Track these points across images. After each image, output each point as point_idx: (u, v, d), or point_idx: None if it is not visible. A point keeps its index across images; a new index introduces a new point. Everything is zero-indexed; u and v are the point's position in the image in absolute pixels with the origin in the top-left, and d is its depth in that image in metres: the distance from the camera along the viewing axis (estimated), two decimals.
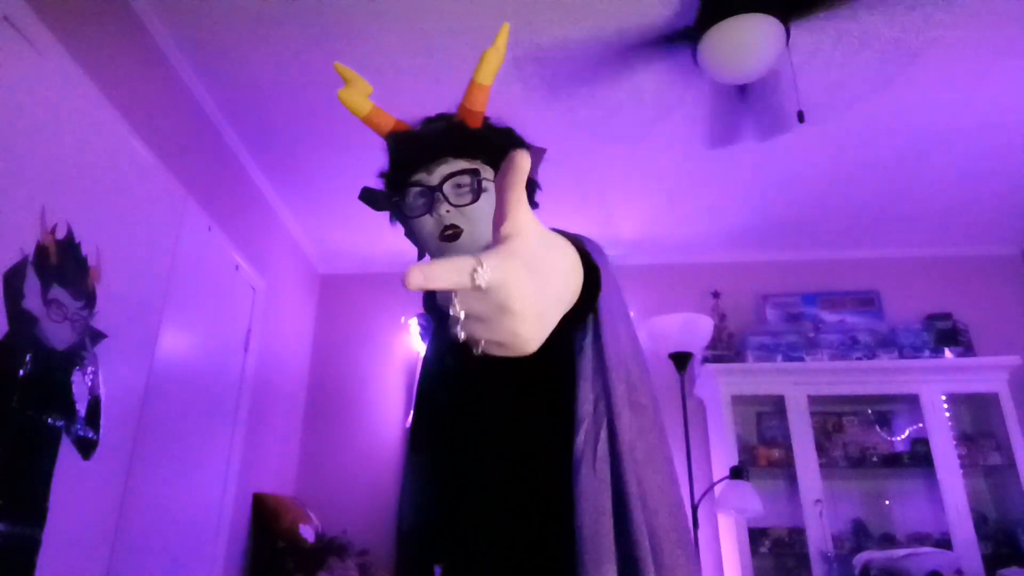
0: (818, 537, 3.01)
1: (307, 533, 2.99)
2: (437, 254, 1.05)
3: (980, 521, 3.11)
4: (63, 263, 1.76)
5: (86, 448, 1.83)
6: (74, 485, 1.77)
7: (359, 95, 1.13)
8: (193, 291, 2.50)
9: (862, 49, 2.34)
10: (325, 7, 2.17)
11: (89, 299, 1.87)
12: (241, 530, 2.88)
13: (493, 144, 1.07)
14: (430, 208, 1.04)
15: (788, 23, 2.07)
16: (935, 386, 3.26)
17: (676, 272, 3.87)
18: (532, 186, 1.14)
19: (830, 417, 3.42)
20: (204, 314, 2.62)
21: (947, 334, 3.46)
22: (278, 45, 2.33)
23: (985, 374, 3.27)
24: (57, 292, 1.73)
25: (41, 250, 1.68)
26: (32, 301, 1.64)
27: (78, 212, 1.83)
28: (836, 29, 2.23)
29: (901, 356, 3.38)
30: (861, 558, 2.87)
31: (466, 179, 1.03)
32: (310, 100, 2.61)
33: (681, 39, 2.23)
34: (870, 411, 3.44)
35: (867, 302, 3.71)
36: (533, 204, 1.14)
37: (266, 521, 2.96)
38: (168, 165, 2.30)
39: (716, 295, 3.68)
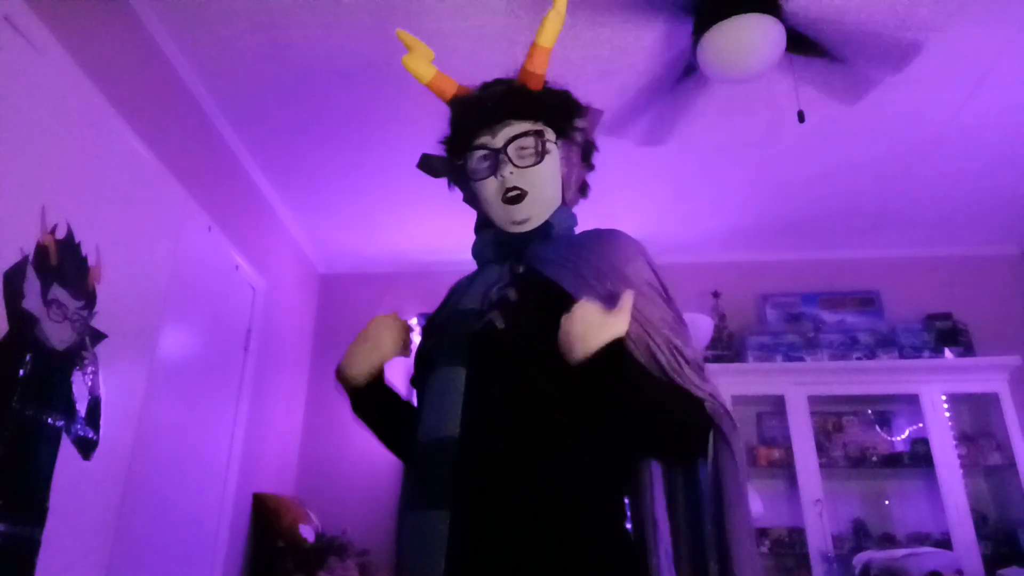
0: (818, 537, 3.01)
1: (307, 533, 2.99)
2: (501, 215, 1.08)
3: (980, 521, 3.11)
4: (63, 263, 1.76)
5: (86, 448, 1.83)
6: (74, 485, 1.77)
7: (423, 61, 1.13)
8: (193, 291, 2.50)
9: (862, 49, 2.34)
10: (327, 9, 2.17)
11: (89, 299, 1.87)
12: (241, 530, 2.88)
13: (554, 106, 1.08)
14: (494, 170, 1.05)
15: (784, 18, 2.07)
16: (935, 386, 3.26)
17: (676, 272, 3.83)
18: (590, 148, 1.16)
19: (830, 417, 3.42)
20: (204, 314, 2.62)
21: (947, 334, 3.46)
22: (278, 45, 2.33)
23: (985, 374, 3.27)
24: (57, 292, 1.73)
25: (41, 250, 1.68)
26: (32, 301, 1.64)
27: (78, 212, 1.83)
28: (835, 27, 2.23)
29: (901, 356, 3.38)
30: (861, 558, 2.87)
31: (529, 141, 1.05)
32: (311, 100, 2.60)
33: (686, 70, 2.23)
34: (870, 411, 3.44)
35: (867, 302, 3.71)
36: (591, 166, 1.17)
37: (266, 521, 2.96)
38: (168, 165, 2.30)
39: (716, 295, 3.67)
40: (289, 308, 3.56)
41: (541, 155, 1.05)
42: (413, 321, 3.76)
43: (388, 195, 3.27)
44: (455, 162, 1.10)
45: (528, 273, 1.02)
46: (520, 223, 1.07)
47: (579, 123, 1.10)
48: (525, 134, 1.04)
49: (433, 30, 2.23)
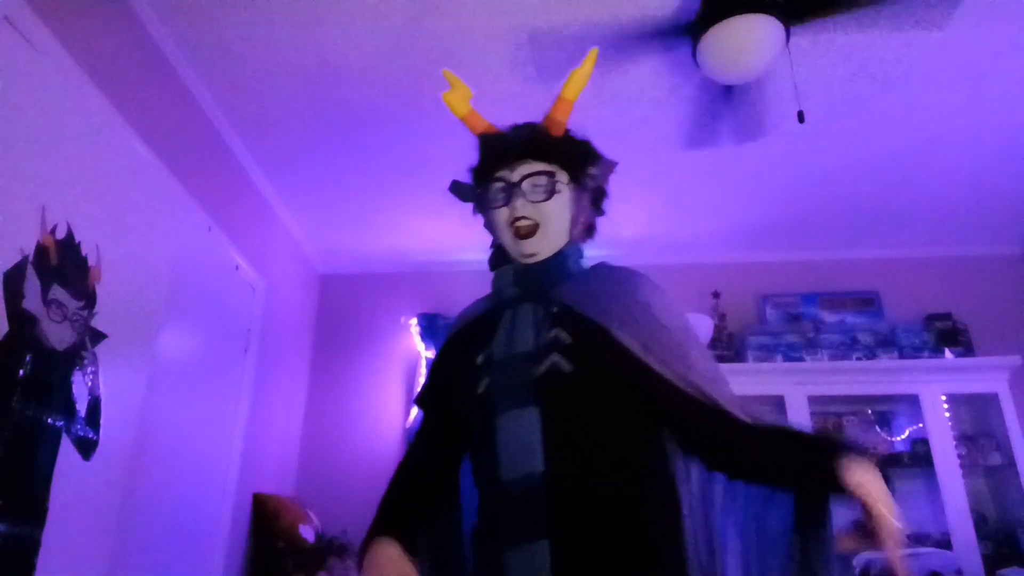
0: None
1: (307, 533, 2.99)
2: (511, 246, 1.19)
3: (980, 521, 3.11)
4: (63, 263, 1.76)
5: (86, 448, 1.83)
6: (74, 485, 1.77)
7: (461, 98, 1.27)
8: (193, 291, 2.50)
9: (862, 48, 2.34)
10: (327, 7, 2.17)
11: (89, 299, 1.87)
12: (241, 530, 2.88)
13: (570, 152, 1.21)
14: (508, 201, 1.17)
15: (788, 26, 2.07)
16: (935, 386, 3.25)
17: (676, 272, 3.86)
18: (601, 194, 1.28)
19: (830, 417, 3.41)
20: (204, 314, 2.62)
21: (947, 334, 3.46)
22: (279, 45, 2.33)
23: (985, 374, 3.27)
24: (57, 292, 1.73)
25: (41, 250, 1.68)
26: (32, 301, 1.64)
27: (78, 212, 1.83)
28: (836, 29, 2.23)
29: (901, 356, 3.37)
30: (861, 558, 2.87)
31: (543, 180, 1.17)
32: (311, 100, 2.60)
33: (680, 34, 2.22)
34: (870, 411, 3.44)
35: (867, 302, 3.71)
36: (600, 211, 1.29)
37: (266, 521, 2.96)
38: (168, 165, 2.30)
39: (716, 295, 3.67)
40: (289, 308, 3.56)
41: (550, 193, 1.16)
42: (413, 321, 3.76)
43: (388, 195, 3.27)
44: (477, 190, 1.23)
45: (562, 312, 1.12)
46: (528, 256, 1.18)
47: (592, 170, 1.22)
48: (539, 173, 1.16)
49: (433, 28, 2.23)
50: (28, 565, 1.61)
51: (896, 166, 3.08)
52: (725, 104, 2.51)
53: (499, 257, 1.25)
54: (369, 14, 2.19)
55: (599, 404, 1.06)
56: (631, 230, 3.61)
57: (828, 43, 2.30)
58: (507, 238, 1.19)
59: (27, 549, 1.61)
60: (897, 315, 3.65)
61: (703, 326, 3.01)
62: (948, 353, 3.36)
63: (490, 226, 1.25)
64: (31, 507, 1.63)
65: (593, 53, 1.26)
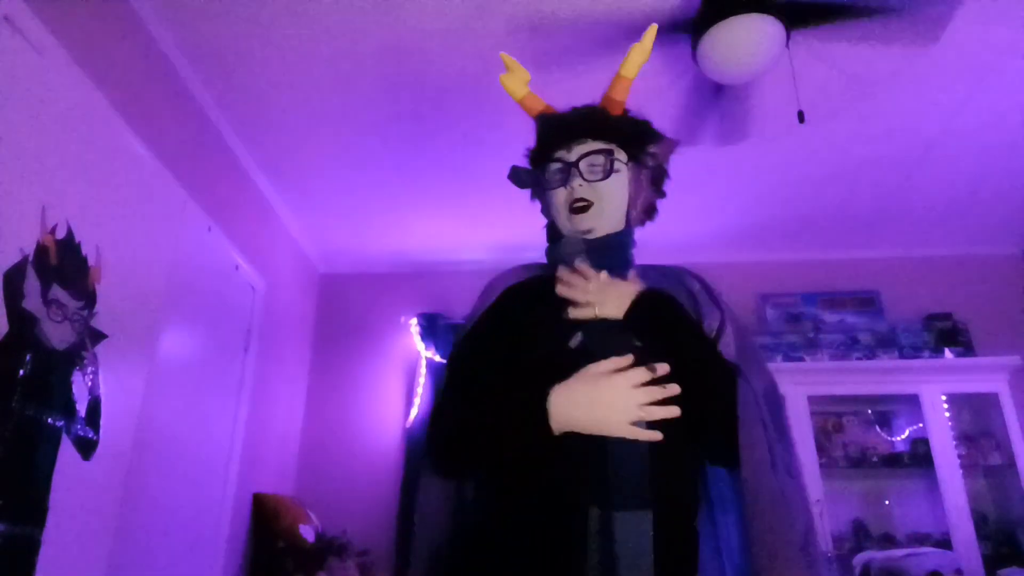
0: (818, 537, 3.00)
1: (307, 533, 2.99)
2: (567, 225, 1.17)
3: (980, 521, 3.11)
4: (63, 263, 1.76)
5: (86, 448, 1.83)
6: (74, 485, 1.77)
7: (518, 81, 1.26)
8: (193, 291, 2.50)
9: (862, 49, 2.34)
10: (327, 7, 2.17)
11: (89, 299, 1.87)
12: (241, 530, 2.88)
13: (628, 130, 1.19)
14: (565, 181, 1.15)
15: (788, 30, 2.07)
16: (935, 386, 3.26)
17: None
18: (662, 174, 1.25)
19: (830, 417, 3.42)
20: (204, 314, 2.62)
21: (947, 334, 3.46)
22: (279, 45, 2.33)
23: (985, 374, 3.27)
24: (57, 292, 1.73)
25: (41, 250, 1.68)
26: (32, 301, 1.64)
27: (78, 212, 1.83)
28: (836, 29, 2.23)
29: (901, 356, 3.38)
30: (861, 558, 2.87)
31: (600, 159, 1.14)
32: (311, 100, 2.61)
33: (680, 30, 2.21)
34: (870, 411, 3.44)
35: (867, 302, 3.71)
36: (661, 193, 1.27)
37: (266, 521, 2.96)
38: (168, 165, 2.30)
39: None
40: (289, 308, 3.56)
41: (608, 172, 1.14)
42: (413, 321, 3.76)
43: (388, 195, 3.27)
44: (535, 173, 1.21)
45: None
46: (584, 232, 1.16)
47: (652, 149, 1.21)
48: (597, 152, 1.14)
49: (434, 27, 2.23)
50: (28, 565, 1.61)
51: (896, 166, 3.08)
52: (715, 104, 2.50)
53: (554, 237, 1.22)
54: (369, 13, 2.19)
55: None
56: None
57: (828, 43, 2.30)
58: (563, 218, 1.16)
59: (27, 549, 1.61)
60: (897, 315, 3.65)
61: None
62: (948, 353, 3.36)
63: (546, 210, 1.22)
64: (31, 507, 1.63)
65: (652, 29, 1.23)
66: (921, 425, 3.28)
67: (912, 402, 3.31)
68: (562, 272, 1.11)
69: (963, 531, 2.99)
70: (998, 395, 3.22)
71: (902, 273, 3.80)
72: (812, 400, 3.28)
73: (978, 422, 3.42)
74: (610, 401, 0.98)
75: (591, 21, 2.21)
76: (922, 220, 3.56)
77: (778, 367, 3.36)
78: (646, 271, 1.24)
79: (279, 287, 3.40)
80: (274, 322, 3.30)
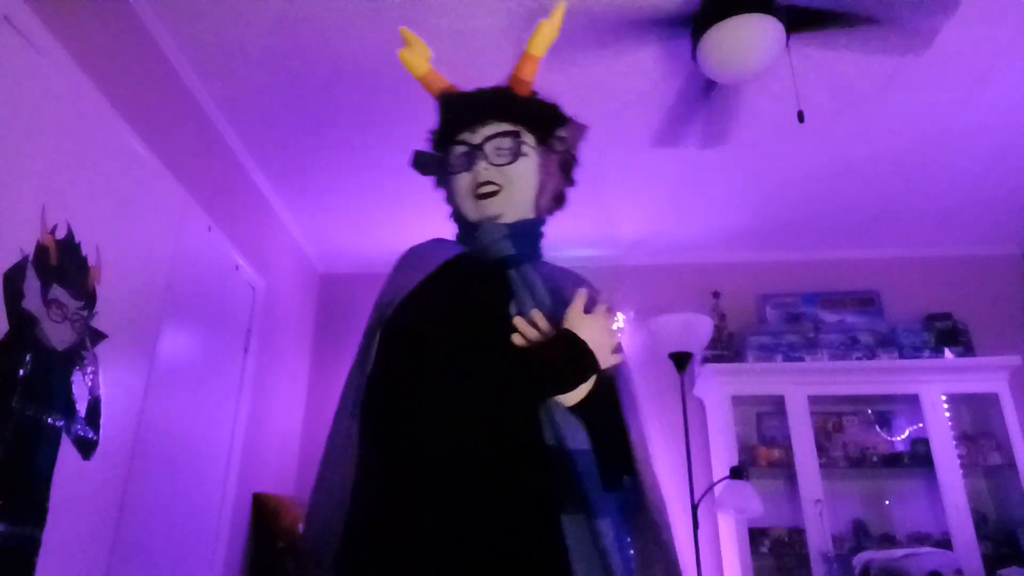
0: (818, 537, 3.01)
1: None
2: (471, 211, 1.10)
3: (980, 521, 3.11)
4: (63, 263, 1.76)
5: (86, 448, 1.83)
6: (74, 485, 1.77)
7: (419, 57, 1.18)
8: (193, 291, 2.50)
9: (862, 49, 2.34)
10: (327, 7, 2.17)
11: (89, 299, 1.87)
12: (241, 530, 2.88)
13: (537, 112, 1.12)
14: (469, 166, 1.09)
15: (788, 32, 2.07)
16: (935, 386, 3.26)
17: (676, 272, 3.87)
18: (571, 160, 1.19)
19: (830, 417, 3.42)
20: (204, 314, 2.62)
21: (947, 334, 3.46)
22: (279, 45, 2.33)
23: (985, 374, 3.27)
24: (57, 292, 1.73)
25: (41, 250, 1.68)
26: (32, 301, 1.64)
27: (78, 212, 1.83)
28: (834, 33, 2.23)
29: (901, 356, 3.38)
30: (861, 558, 2.87)
31: (507, 141, 1.08)
32: (311, 100, 2.60)
33: (681, 25, 2.21)
34: (870, 411, 3.44)
35: (867, 302, 3.71)
36: (570, 180, 1.20)
37: (266, 521, 2.96)
38: (168, 165, 2.30)
39: (716, 295, 3.67)
40: (289, 308, 3.56)
41: (516, 155, 1.08)
42: None
43: (388, 195, 3.27)
44: (438, 156, 1.14)
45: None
46: (492, 218, 1.09)
47: (561, 132, 1.13)
48: (503, 134, 1.08)
49: (434, 29, 2.23)
50: (28, 565, 1.61)
51: (896, 166, 3.08)
52: (704, 104, 2.49)
53: (462, 229, 1.14)
54: (369, 15, 2.19)
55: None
56: (631, 230, 3.61)
57: (829, 43, 2.30)
58: (468, 205, 1.09)
59: (27, 549, 1.61)
60: (897, 315, 3.65)
61: (703, 326, 3.01)
62: (948, 353, 3.36)
63: (450, 196, 1.14)
64: (31, 507, 1.63)
65: (560, 8, 1.17)
66: (921, 425, 3.28)
67: (912, 402, 3.31)
68: (519, 323, 0.99)
69: (963, 531, 2.99)
70: (998, 395, 3.22)
71: (902, 273, 3.80)
72: (812, 400, 3.28)
73: (978, 422, 3.42)
74: (609, 333, 0.99)
75: (590, 15, 2.21)
76: (922, 220, 3.56)
77: (778, 367, 3.37)
78: (553, 271, 1.15)
79: (279, 287, 3.40)
80: (274, 322, 3.30)
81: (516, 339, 0.98)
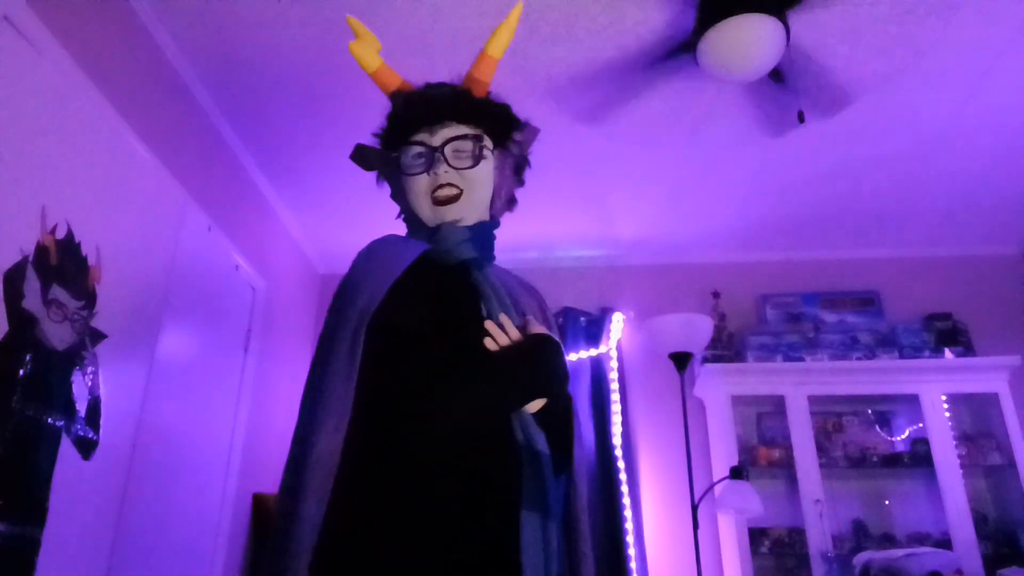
0: (818, 537, 3.01)
1: None
2: (428, 214, 1.08)
3: (980, 521, 3.11)
4: (63, 263, 1.76)
5: (86, 448, 1.83)
6: (74, 485, 1.77)
7: (370, 50, 1.16)
8: (193, 291, 2.50)
9: (862, 49, 2.34)
10: (327, 8, 2.17)
11: (89, 299, 1.87)
12: (241, 530, 2.88)
13: (494, 115, 1.11)
14: (428, 168, 1.07)
15: (786, 19, 2.06)
16: (935, 386, 3.26)
17: (676, 272, 3.87)
18: (523, 162, 1.17)
19: (830, 417, 3.42)
20: (204, 314, 2.62)
21: (947, 334, 3.46)
22: (279, 45, 2.33)
23: (985, 374, 3.27)
24: (57, 292, 1.73)
25: (41, 250, 1.68)
26: (32, 301, 1.64)
27: (78, 212, 1.83)
28: (836, 29, 2.23)
29: (901, 356, 3.38)
30: (861, 558, 2.87)
31: (467, 144, 1.07)
32: (311, 100, 2.60)
33: (680, 50, 2.23)
34: (870, 411, 3.44)
35: (867, 302, 3.71)
36: (521, 181, 1.19)
37: (266, 521, 2.96)
38: (168, 165, 2.30)
39: (716, 295, 3.67)
40: (289, 308, 3.56)
41: (477, 159, 1.07)
42: None
43: (388, 195, 3.26)
44: (389, 155, 1.12)
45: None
46: (453, 223, 1.09)
47: (516, 136, 1.13)
48: (464, 137, 1.07)
49: (432, 35, 2.23)
50: (28, 565, 1.61)
51: (896, 166, 3.08)
52: (718, 104, 2.50)
53: (415, 230, 1.13)
54: (369, 15, 2.19)
55: None
56: (631, 230, 3.61)
57: (829, 43, 2.30)
58: (424, 207, 1.08)
59: (27, 549, 1.61)
60: (897, 315, 3.65)
61: (703, 326, 3.01)
62: (948, 353, 3.36)
63: (401, 195, 1.13)
64: (31, 507, 1.63)
65: (517, 10, 1.16)
66: (921, 425, 3.28)
67: (912, 402, 3.31)
68: (492, 328, 1.00)
69: (963, 531, 2.99)
70: (998, 395, 3.22)
71: (902, 273, 3.80)
72: (812, 400, 3.28)
73: (978, 422, 3.42)
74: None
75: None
76: (922, 220, 3.56)
77: (778, 367, 3.36)
78: (508, 277, 1.16)
79: (279, 287, 3.39)
80: (274, 322, 3.30)
81: (489, 343, 0.98)
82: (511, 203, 1.20)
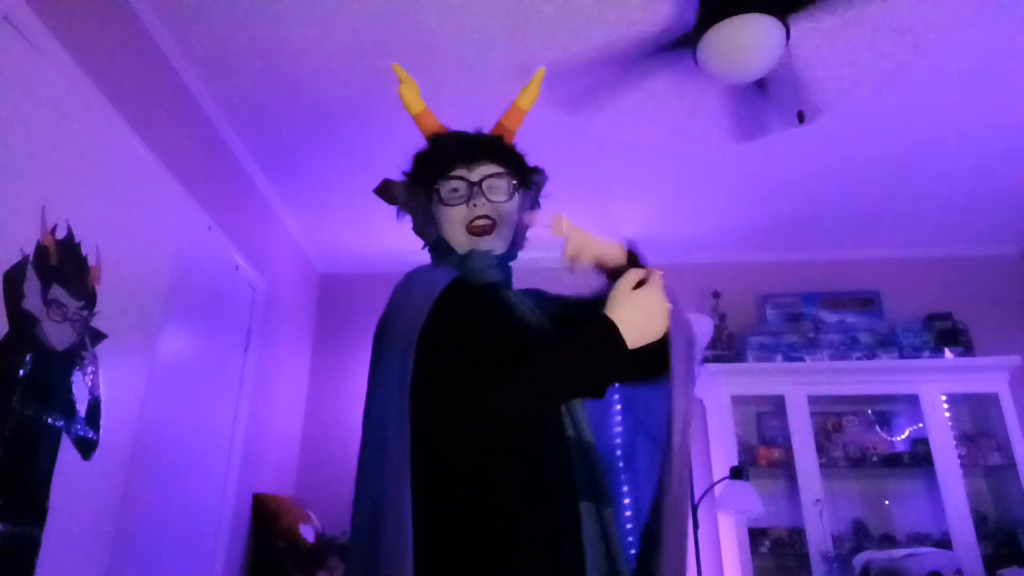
0: (818, 537, 3.01)
1: (307, 533, 2.99)
2: (462, 244, 1.19)
3: (980, 521, 3.11)
4: (63, 263, 1.76)
5: (86, 448, 1.83)
6: (74, 485, 1.77)
7: (415, 94, 1.31)
8: (193, 291, 2.50)
9: (862, 49, 2.34)
10: (328, 7, 2.17)
11: (89, 299, 1.87)
12: (241, 530, 2.88)
13: (520, 159, 1.25)
14: (467, 199, 1.17)
15: (787, 20, 2.06)
16: (935, 386, 3.26)
17: (676, 272, 3.84)
18: (536, 204, 1.30)
19: (830, 417, 3.42)
20: (204, 314, 2.62)
21: (947, 334, 3.46)
22: (279, 45, 2.33)
23: (985, 374, 3.27)
24: (57, 292, 1.73)
25: (41, 250, 1.68)
26: (32, 301, 1.64)
27: (78, 212, 1.83)
28: (836, 29, 2.23)
29: (901, 356, 3.38)
30: (861, 558, 2.87)
31: (503, 182, 1.19)
32: (311, 100, 2.60)
33: (680, 44, 2.23)
34: (870, 411, 3.44)
35: (867, 302, 3.71)
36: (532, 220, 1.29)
37: (266, 521, 2.96)
38: (168, 165, 2.30)
39: (716, 295, 3.68)
40: (289, 308, 3.56)
41: (511, 195, 1.20)
42: None
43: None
44: (422, 187, 1.22)
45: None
46: (485, 251, 1.19)
47: (536, 178, 1.28)
48: (500, 175, 1.19)
49: (433, 37, 2.23)
50: (28, 565, 1.61)
51: (896, 166, 3.08)
52: (720, 104, 2.50)
53: (442, 257, 1.23)
54: (370, 15, 2.19)
55: None
56: (631, 229, 3.61)
57: (829, 43, 2.30)
58: (459, 236, 1.19)
59: (27, 549, 1.61)
60: (897, 315, 3.65)
61: (703, 326, 3.01)
62: (948, 353, 3.36)
63: (428, 226, 1.23)
64: (31, 507, 1.63)
65: (541, 71, 1.32)
66: (921, 425, 3.28)
67: (912, 402, 3.31)
68: (545, 217, 1.13)
69: (963, 531, 2.99)
70: (998, 395, 3.22)
71: (902, 273, 3.80)
72: (812, 400, 3.28)
73: (978, 422, 3.42)
74: (658, 310, 1.09)
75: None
76: (922, 220, 3.56)
77: (778, 367, 3.37)
78: (531, 294, 1.27)
79: (279, 287, 3.40)
80: (274, 322, 3.30)
81: (557, 229, 1.10)
82: (525, 239, 1.31)
